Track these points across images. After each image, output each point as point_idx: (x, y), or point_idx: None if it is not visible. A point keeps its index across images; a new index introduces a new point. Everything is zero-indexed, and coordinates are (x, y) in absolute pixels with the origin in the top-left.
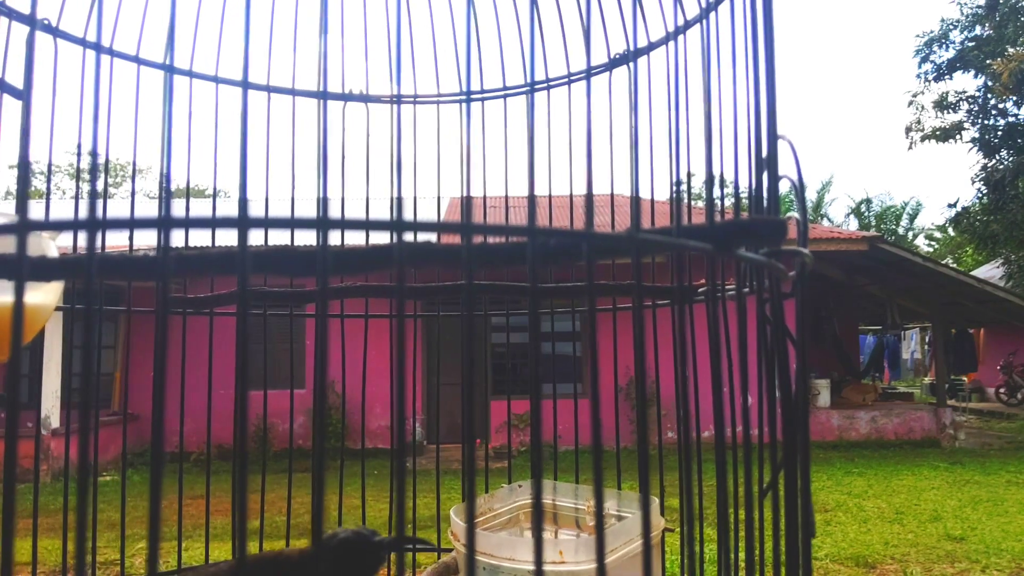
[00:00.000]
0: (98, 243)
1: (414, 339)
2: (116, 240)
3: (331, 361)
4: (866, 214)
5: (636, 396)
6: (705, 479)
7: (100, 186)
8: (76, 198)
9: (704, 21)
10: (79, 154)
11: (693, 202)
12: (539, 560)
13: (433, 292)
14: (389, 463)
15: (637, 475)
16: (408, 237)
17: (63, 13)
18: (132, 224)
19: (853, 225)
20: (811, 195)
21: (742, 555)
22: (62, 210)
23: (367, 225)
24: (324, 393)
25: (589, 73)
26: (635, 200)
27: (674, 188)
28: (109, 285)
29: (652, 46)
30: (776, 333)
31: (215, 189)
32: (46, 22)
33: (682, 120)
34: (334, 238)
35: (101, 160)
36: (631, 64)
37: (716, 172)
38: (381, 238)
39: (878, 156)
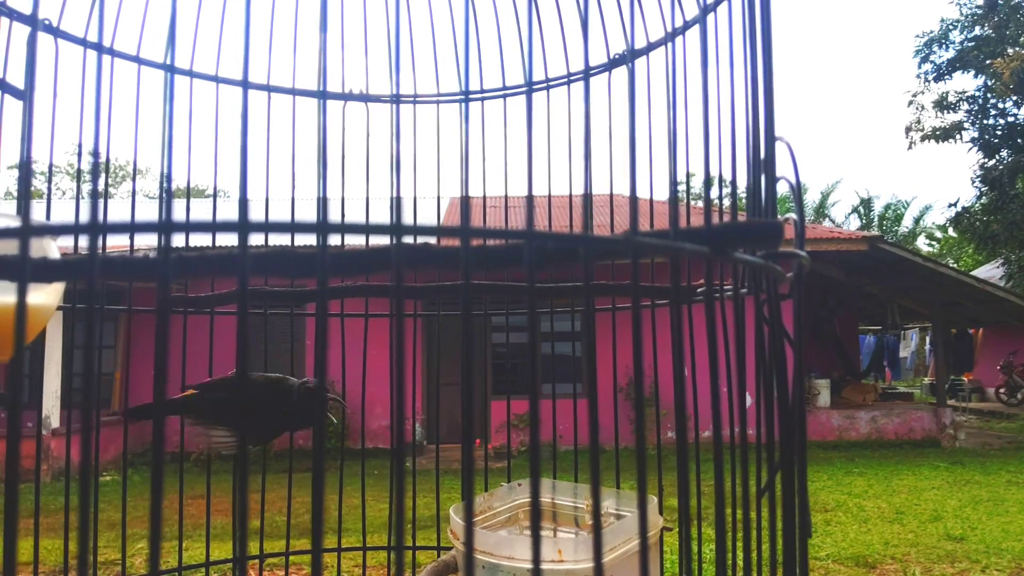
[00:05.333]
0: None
1: (413, 339)
2: (116, 240)
3: (331, 361)
4: (868, 214)
5: (635, 396)
6: (705, 479)
7: (101, 187)
8: (77, 199)
9: (702, 23)
10: (79, 155)
11: (693, 202)
12: (537, 559)
13: (431, 292)
14: (389, 463)
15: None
16: (408, 239)
17: (64, 13)
18: (133, 228)
19: (855, 225)
20: (815, 196)
21: (740, 555)
22: (62, 210)
23: (366, 229)
24: (324, 393)
25: (588, 73)
26: (633, 203)
27: (673, 190)
28: (110, 285)
29: (651, 46)
30: (773, 334)
31: (215, 189)
32: (47, 22)
33: (680, 121)
34: (335, 239)
35: (102, 161)
36: (629, 64)
37: (714, 174)
38: (382, 239)
39: (881, 157)
